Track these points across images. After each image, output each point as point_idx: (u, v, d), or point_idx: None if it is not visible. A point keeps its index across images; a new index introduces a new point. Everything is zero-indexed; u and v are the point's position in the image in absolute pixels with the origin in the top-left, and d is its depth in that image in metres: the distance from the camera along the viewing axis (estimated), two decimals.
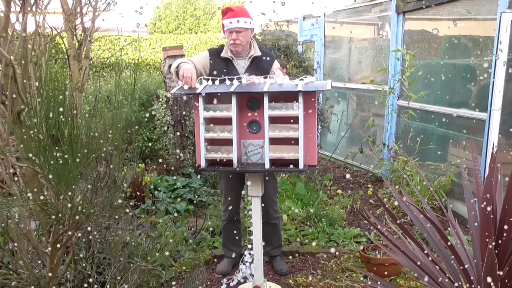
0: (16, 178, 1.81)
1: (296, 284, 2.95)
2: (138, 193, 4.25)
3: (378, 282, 1.97)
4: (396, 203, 3.45)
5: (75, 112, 1.53)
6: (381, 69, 4.85)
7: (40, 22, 2.20)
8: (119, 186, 1.76)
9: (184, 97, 4.93)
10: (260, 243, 2.51)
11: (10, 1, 1.65)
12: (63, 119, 1.44)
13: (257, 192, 2.43)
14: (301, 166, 2.26)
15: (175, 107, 5.02)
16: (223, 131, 2.31)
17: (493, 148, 3.44)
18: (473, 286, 1.65)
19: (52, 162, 1.39)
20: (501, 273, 1.54)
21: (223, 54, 2.78)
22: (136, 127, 5.32)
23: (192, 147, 4.99)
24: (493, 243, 1.45)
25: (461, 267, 1.66)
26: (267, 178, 2.85)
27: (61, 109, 1.41)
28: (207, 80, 2.36)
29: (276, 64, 2.88)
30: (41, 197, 1.56)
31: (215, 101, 2.31)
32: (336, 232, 3.66)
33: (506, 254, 1.58)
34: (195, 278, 2.43)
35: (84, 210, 1.49)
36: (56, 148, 1.44)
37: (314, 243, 3.33)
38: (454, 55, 4.34)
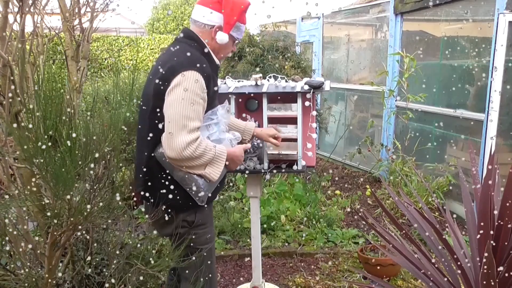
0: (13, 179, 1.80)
1: (294, 284, 2.95)
2: (136, 194, 4.23)
3: (376, 282, 1.97)
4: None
5: (73, 112, 1.53)
6: (382, 72, 4.86)
7: (38, 22, 2.20)
8: (117, 187, 1.76)
9: None
10: (259, 243, 2.51)
11: (8, 1, 1.65)
12: (61, 120, 1.44)
13: (255, 193, 2.43)
14: (299, 167, 2.26)
15: None
16: None
17: (490, 149, 3.45)
18: (471, 286, 1.66)
19: (50, 163, 1.39)
20: (499, 272, 1.54)
21: (217, 61, 1.93)
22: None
23: None
24: (491, 244, 1.45)
25: (459, 268, 1.66)
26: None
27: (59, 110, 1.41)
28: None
29: None
30: (39, 198, 1.56)
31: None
32: (335, 232, 3.66)
33: (504, 254, 1.59)
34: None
35: (82, 211, 1.49)
36: (54, 148, 1.44)
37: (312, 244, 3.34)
38: (452, 56, 4.35)
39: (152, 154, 1.79)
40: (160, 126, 1.73)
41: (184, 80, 1.68)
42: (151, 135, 1.75)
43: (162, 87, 1.71)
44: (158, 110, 1.73)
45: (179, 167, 1.74)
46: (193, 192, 1.79)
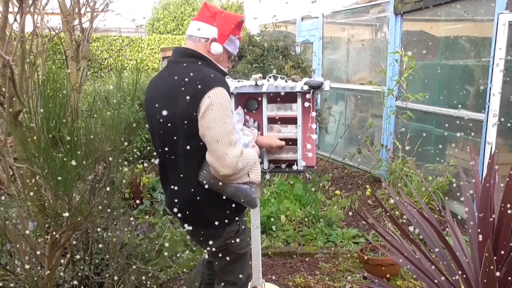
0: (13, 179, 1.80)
1: (294, 284, 2.95)
2: (136, 194, 4.24)
3: (376, 282, 1.97)
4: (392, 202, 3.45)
5: (74, 113, 1.53)
6: (380, 70, 4.87)
7: (38, 22, 2.20)
8: (117, 187, 1.76)
9: None
10: (259, 243, 2.51)
11: (8, 1, 1.65)
12: (63, 120, 1.44)
13: (256, 193, 2.42)
14: (299, 167, 2.26)
15: None
16: None
17: (490, 149, 3.45)
18: (471, 286, 1.66)
19: (50, 163, 1.39)
20: (499, 273, 1.54)
21: (225, 70, 1.97)
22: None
23: None
24: (491, 244, 1.45)
25: (459, 268, 1.66)
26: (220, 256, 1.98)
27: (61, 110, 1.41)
28: None
29: None
30: (39, 198, 1.56)
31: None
32: (335, 232, 3.66)
33: (504, 254, 1.59)
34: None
35: (82, 211, 1.49)
36: (55, 149, 1.44)
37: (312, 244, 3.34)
38: (452, 56, 4.35)
39: (197, 179, 1.77)
40: (194, 152, 1.73)
41: (216, 97, 1.68)
42: (191, 162, 1.76)
43: (191, 110, 1.69)
44: (192, 135, 1.72)
45: (230, 182, 1.75)
46: (245, 201, 1.84)
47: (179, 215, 1.85)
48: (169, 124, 1.75)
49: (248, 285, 2.11)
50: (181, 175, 1.80)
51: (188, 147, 1.74)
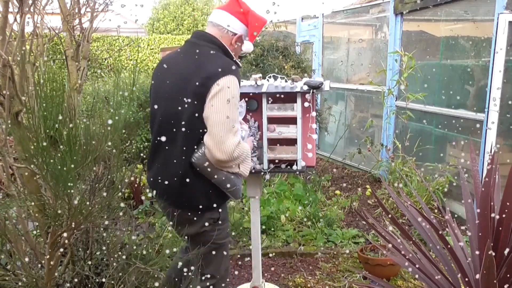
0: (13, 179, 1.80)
1: (294, 284, 2.95)
2: (136, 194, 4.24)
3: (376, 282, 1.97)
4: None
5: (73, 112, 1.53)
6: (380, 70, 4.87)
7: (38, 22, 2.20)
8: (117, 187, 1.76)
9: None
10: (258, 243, 2.51)
11: (8, 1, 1.65)
12: (62, 120, 1.44)
13: (255, 193, 2.43)
14: (299, 167, 2.26)
15: None
16: None
17: (491, 149, 3.45)
18: (471, 286, 1.66)
19: (50, 163, 1.39)
20: (498, 273, 1.54)
21: (240, 64, 2.01)
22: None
23: None
24: (491, 244, 1.45)
25: (459, 268, 1.67)
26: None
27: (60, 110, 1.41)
28: None
29: None
30: (39, 198, 1.56)
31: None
32: (335, 232, 3.66)
33: (504, 254, 1.59)
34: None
35: (82, 211, 1.49)
36: (55, 148, 1.43)
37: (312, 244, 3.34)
38: (452, 56, 4.35)
39: (190, 161, 1.80)
40: (193, 132, 1.76)
41: (229, 84, 1.75)
42: (187, 141, 1.78)
43: (202, 90, 1.74)
44: (196, 115, 1.75)
45: (222, 168, 1.79)
46: (231, 190, 1.87)
47: (161, 194, 1.86)
48: (176, 100, 1.77)
49: (226, 279, 2.09)
50: (175, 154, 1.82)
51: (188, 127, 1.77)
